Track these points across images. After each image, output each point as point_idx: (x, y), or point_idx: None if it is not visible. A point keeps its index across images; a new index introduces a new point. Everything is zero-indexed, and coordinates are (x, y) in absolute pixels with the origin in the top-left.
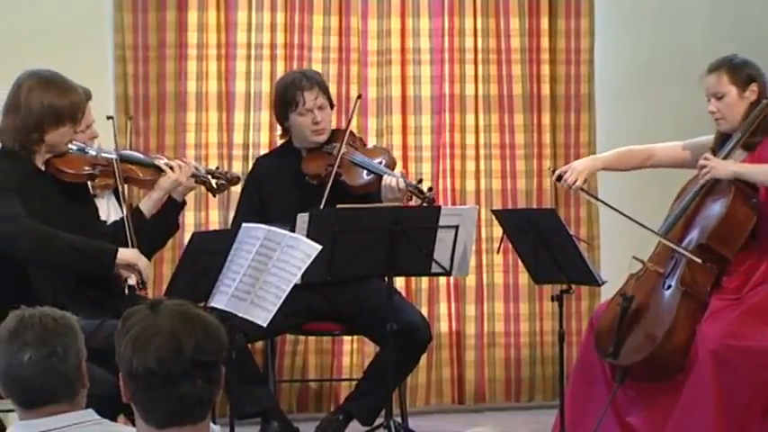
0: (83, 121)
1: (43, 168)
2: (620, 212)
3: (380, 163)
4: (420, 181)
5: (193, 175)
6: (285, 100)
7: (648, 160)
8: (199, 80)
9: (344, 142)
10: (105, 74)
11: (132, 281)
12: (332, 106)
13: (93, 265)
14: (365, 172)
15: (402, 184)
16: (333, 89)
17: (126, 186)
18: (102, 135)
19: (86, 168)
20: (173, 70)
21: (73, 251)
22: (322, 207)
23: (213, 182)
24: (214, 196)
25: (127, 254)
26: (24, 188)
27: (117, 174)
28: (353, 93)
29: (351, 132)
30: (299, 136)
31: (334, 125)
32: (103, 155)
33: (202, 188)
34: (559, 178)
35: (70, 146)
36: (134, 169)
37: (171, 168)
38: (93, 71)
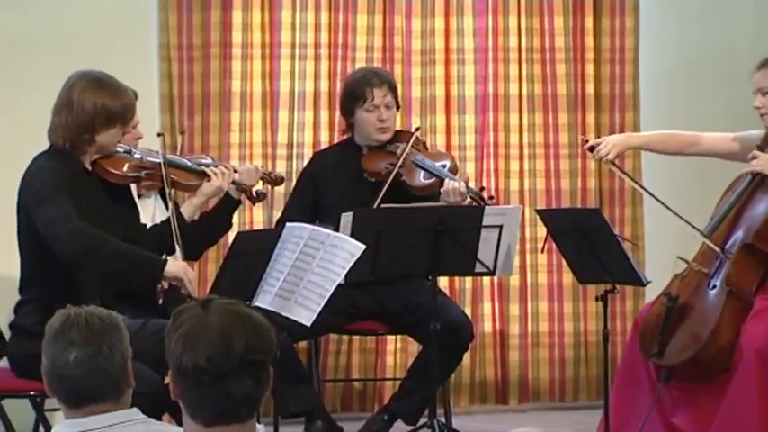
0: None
1: (89, 168)
2: (652, 194)
3: (444, 167)
4: (482, 189)
5: (234, 182)
6: (354, 95)
7: (692, 147)
8: (243, 80)
9: (410, 144)
10: (150, 73)
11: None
12: (398, 107)
13: (141, 274)
14: (426, 174)
15: (463, 188)
16: None
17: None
18: (146, 138)
19: (132, 171)
20: (217, 70)
21: (122, 258)
22: (378, 205)
23: (253, 191)
24: (253, 205)
25: (174, 267)
26: (72, 188)
27: (165, 179)
28: (398, 92)
29: (416, 136)
30: (363, 133)
31: None
32: (149, 159)
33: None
34: (592, 149)
35: (120, 147)
36: (179, 174)
37: (215, 175)
38: (138, 71)
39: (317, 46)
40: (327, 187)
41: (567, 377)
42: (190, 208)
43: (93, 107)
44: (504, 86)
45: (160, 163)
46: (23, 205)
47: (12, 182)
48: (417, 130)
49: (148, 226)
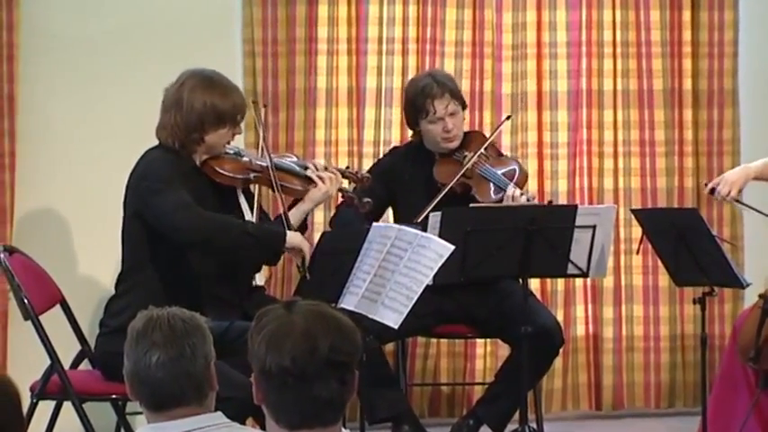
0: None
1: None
2: None
3: (511, 177)
4: (550, 202)
5: (340, 190)
6: (415, 107)
7: None
8: (329, 75)
9: (477, 154)
10: (235, 69)
11: (260, 281)
12: (464, 107)
13: (266, 248)
14: (496, 187)
15: (523, 200)
16: (466, 85)
17: (274, 194)
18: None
19: (242, 173)
20: (302, 65)
21: (247, 236)
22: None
23: (363, 200)
24: (360, 212)
25: (294, 238)
26: (183, 183)
27: (274, 183)
28: (487, 88)
29: (486, 142)
30: (430, 142)
31: (468, 121)
32: (257, 162)
33: None
34: (713, 191)
35: (228, 147)
36: (286, 178)
37: (322, 180)
38: (222, 66)
39: (404, 41)
40: (402, 188)
41: (662, 382)
42: (298, 214)
43: (202, 106)
44: (599, 82)
45: (269, 166)
46: (132, 200)
47: (98, 177)
48: (509, 118)
49: None
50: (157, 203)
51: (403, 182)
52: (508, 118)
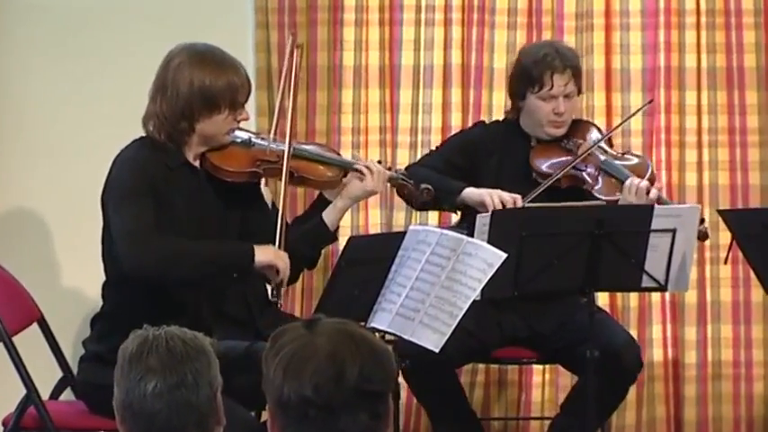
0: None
1: (197, 163)
2: None
3: (641, 175)
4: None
5: (391, 179)
6: (529, 77)
7: None
8: (357, 51)
9: (600, 141)
10: (245, 44)
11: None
12: (580, 93)
13: (231, 271)
14: (618, 182)
15: (654, 194)
16: None
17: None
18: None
19: (248, 166)
20: (326, 39)
21: (207, 264)
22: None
23: (420, 187)
24: (414, 208)
25: (264, 254)
26: (163, 186)
27: (285, 175)
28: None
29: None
30: (531, 122)
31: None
32: (274, 147)
33: None
34: None
35: (237, 134)
36: (312, 168)
37: (370, 172)
38: (230, 41)
39: (446, 9)
40: (487, 169)
41: (755, 416)
42: (334, 213)
43: (188, 89)
44: (679, 58)
45: (286, 153)
46: (105, 206)
47: (84, 172)
48: (650, 102)
49: None
50: (113, 224)
51: (490, 162)
52: (650, 102)
